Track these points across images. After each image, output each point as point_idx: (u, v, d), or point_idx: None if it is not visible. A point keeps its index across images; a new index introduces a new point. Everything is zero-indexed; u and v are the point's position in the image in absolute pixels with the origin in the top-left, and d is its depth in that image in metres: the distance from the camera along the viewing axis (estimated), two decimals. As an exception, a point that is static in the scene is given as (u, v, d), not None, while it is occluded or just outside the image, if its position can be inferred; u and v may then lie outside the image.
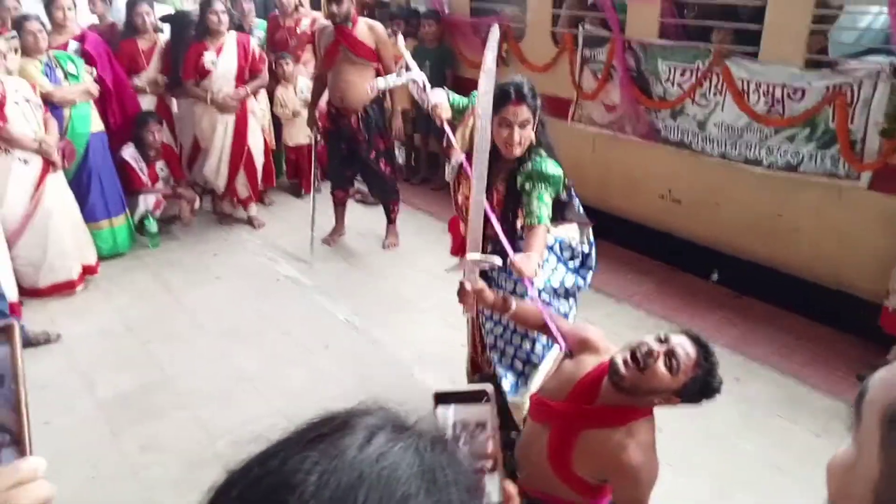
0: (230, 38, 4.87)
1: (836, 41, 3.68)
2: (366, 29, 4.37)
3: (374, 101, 4.53)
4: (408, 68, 2.96)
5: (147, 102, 5.07)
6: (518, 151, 2.39)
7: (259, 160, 5.29)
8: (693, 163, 4.21)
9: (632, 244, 4.74)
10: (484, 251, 2.36)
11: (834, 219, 3.67)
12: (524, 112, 2.32)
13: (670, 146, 4.29)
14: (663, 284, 4.39)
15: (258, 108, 5.24)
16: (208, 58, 4.78)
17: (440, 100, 2.75)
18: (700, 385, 1.57)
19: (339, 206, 5.03)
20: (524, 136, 2.36)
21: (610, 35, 4.39)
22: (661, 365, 1.54)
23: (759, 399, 3.30)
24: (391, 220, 4.97)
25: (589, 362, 1.75)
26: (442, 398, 0.74)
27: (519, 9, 5.16)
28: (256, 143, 5.22)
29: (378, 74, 4.25)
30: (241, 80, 4.94)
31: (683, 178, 4.33)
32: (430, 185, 6.02)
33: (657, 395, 1.58)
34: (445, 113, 2.71)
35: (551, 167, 2.38)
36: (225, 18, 4.77)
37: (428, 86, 2.86)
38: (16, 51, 4.04)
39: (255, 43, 5.13)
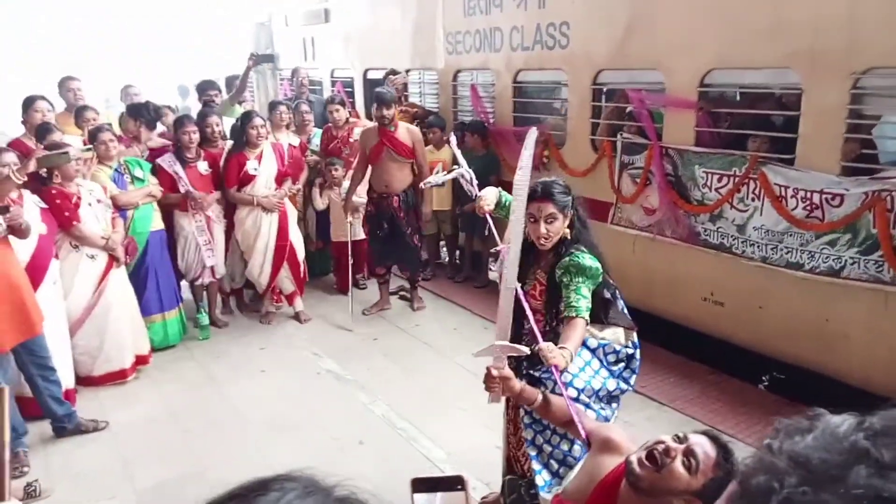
0: (266, 147, 5.24)
1: (884, 146, 3.74)
2: (405, 131, 5.27)
3: (408, 188, 5.35)
4: (455, 164, 3.16)
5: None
6: (546, 244, 2.52)
7: (301, 255, 5.52)
8: (734, 266, 4.19)
9: (675, 346, 4.67)
10: (516, 341, 2.43)
11: (883, 325, 3.56)
12: (549, 208, 2.46)
13: (711, 249, 4.30)
14: (708, 388, 4.27)
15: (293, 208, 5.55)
16: (251, 166, 5.13)
17: (485, 194, 2.88)
18: (722, 487, 1.52)
19: (383, 284, 5.70)
20: (551, 230, 2.49)
21: (647, 142, 4.54)
22: (678, 464, 1.51)
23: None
24: (414, 287, 5.75)
25: (609, 463, 1.73)
26: (419, 485, 0.78)
27: (560, 118, 5.39)
28: (297, 239, 5.49)
29: (412, 169, 5.33)
30: (279, 182, 5.28)
31: (725, 281, 4.30)
32: (474, 284, 6.15)
33: (676, 497, 1.54)
34: (488, 206, 2.84)
35: (588, 260, 2.46)
36: (264, 132, 5.16)
37: (474, 179, 3.03)
38: (91, 160, 4.48)
39: (288, 145, 5.51)
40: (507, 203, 2.99)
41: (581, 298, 2.42)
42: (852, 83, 3.45)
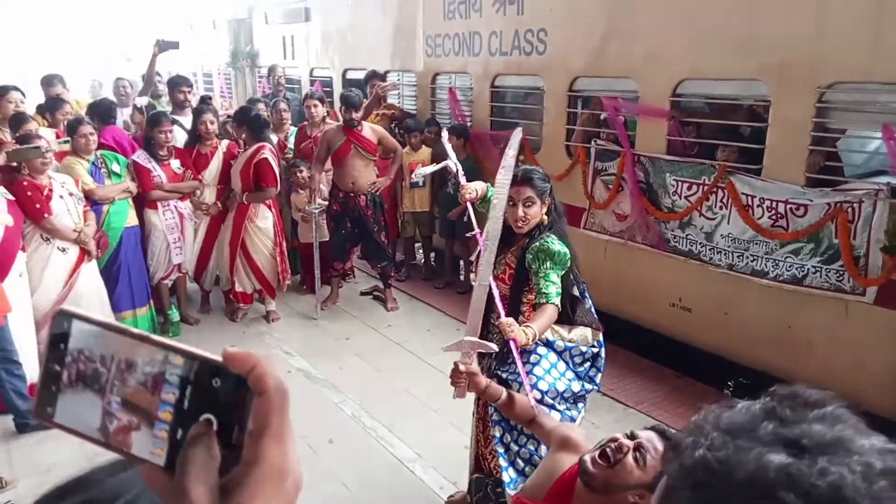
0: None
1: (848, 157, 3.86)
2: (370, 130, 5.44)
3: (372, 187, 5.48)
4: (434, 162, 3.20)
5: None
6: (524, 228, 2.60)
7: (264, 261, 5.38)
8: (702, 273, 4.28)
9: (644, 350, 4.75)
10: (485, 338, 2.47)
11: (843, 333, 3.67)
12: (527, 191, 2.56)
13: (680, 256, 4.39)
14: (674, 392, 4.35)
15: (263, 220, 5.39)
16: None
17: (471, 185, 2.92)
18: None
19: (337, 278, 5.82)
20: (529, 213, 2.57)
21: (620, 149, 4.61)
22: (630, 460, 1.56)
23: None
24: (388, 286, 5.80)
25: (567, 461, 1.77)
26: None
27: (536, 123, 5.46)
28: (257, 246, 5.34)
29: (377, 167, 5.58)
30: (244, 187, 5.15)
31: (693, 288, 4.39)
32: (457, 289, 6.08)
33: (630, 492, 1.58)
34: (470, 194, 2.88)
35: (556, 245, 2.54)
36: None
37: (461, 170, 3.09)
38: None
39: (269, 155, 5.32)
40: (490, 198, 3.04)
41: (550, 284, 2.49)
42: (818, 97, 3.55)
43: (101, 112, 5.32)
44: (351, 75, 7.44)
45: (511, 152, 2.41)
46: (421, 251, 6.82)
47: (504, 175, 2.38)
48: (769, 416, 0.61)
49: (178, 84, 6.19)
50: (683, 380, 4.51)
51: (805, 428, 0.59)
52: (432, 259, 6.67)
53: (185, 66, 11.60)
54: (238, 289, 5.43)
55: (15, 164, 3.95)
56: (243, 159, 5.15)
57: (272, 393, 0.48)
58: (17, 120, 4.47)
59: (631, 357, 4.69)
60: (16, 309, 3.73)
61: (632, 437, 1.61)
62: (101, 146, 4.85)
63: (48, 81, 5.85)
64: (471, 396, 2.52)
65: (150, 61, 6.35)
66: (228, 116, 6.04)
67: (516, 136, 2.48)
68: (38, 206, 4.05)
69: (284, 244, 5.56)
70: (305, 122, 6.03)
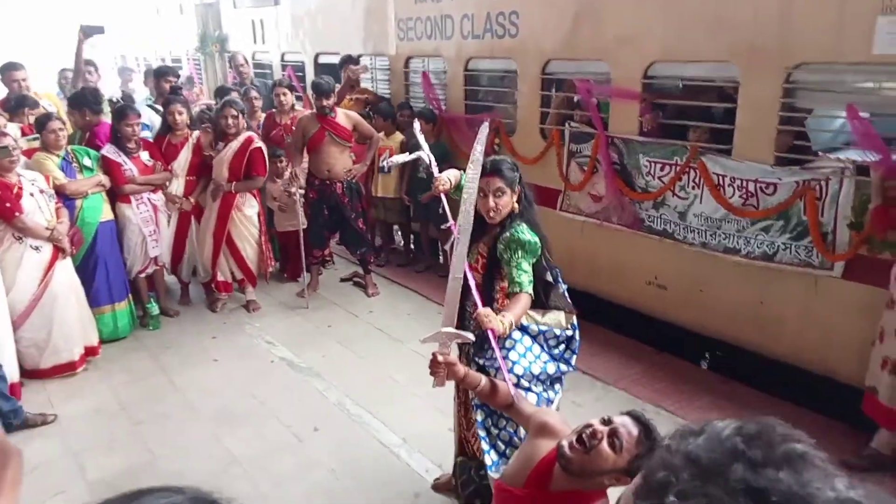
0: (240, 137, 5.15)
1: (816, 135, 3.94)
2: (344, 117, 5.41)
3: (348, 174, 5.50)
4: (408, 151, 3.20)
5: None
6: (495, 218, 2.62)
7: (249, 249, 5.41)
8: (676, 251, 4.36)
9: (621, 328, 4.84)
10: (463, 327, 2.52)
11: (813, 307, 3.78)
12: (497, 182, 2.58)
13: (654, 235, 4.46)
14: (652, 368, 4.45)
15: (249, 208, 5.38)
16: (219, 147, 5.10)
17: (445, 174, 2.95)
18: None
19: (316, 265, 5.84)
20: (500, 204, 2.60)
21: (594, 131, 4.66)
22: (605, 445, 1.62)
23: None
24: (368, 272, 5.83)
25: (545, 447, 1.82)
26: None
27: (510, 106, 5.48)
28: (242, 238, 5.36)
29: (353, 153, 5.58)
30: (234, 175, 5.14)
31: (668, 266, 4.48)
32: (438, 273, 6.09)
33: (606, 476, 1.64)
34: (443, 185, 2.91)
35: (527, 234, 2.58)
36: (234, 122, 5.06)
37: (434, 162, 3.11)
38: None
39: (262, 144, 5.33)
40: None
41: (522, 273, 2.54)
42: (785, 77, 3.62)
43: (90, 101, 5.15)
44: (324, 60, 7.37)
45: (479, 147, 2.43)
46: (399, 234, 6.84)
47: (473, 170, 2.40)
48: (738, 456, 0.63)
49: (163, 74, 6.09)
50: (661, 356, 4.61)
51: (772, 477, 0.61)
52: (411, 243, 6.69)
53: (153, 52, 11.44)
54: (220, 278, 5.42)
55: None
56: (232, 150, 5.10)
57: None
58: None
59: (609, 335, 4.78)
60: (-8, 310, 3.70)
61: (607, 422, 1.66)
62: (96, 147, 4.81)
63: (10, 67, 5.57)
64: (451, 382, 2.57)
65: (77, 49, 5.88)
66: (208, 108, 5.95)
67: (483, 130, 2.50)
68: (7, 204, 3.99)
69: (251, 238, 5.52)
70: (274, 110, 5.99)
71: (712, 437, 0.66)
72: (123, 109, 4.95)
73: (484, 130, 2.54)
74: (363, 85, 6.57)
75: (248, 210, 5.34)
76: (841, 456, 3.47)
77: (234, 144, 5.12)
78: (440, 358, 2.21)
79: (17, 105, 5.11)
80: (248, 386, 4.29)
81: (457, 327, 2.38)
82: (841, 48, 3.38)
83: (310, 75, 7.44)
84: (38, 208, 4.13)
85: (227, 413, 3.98)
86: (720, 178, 3.99)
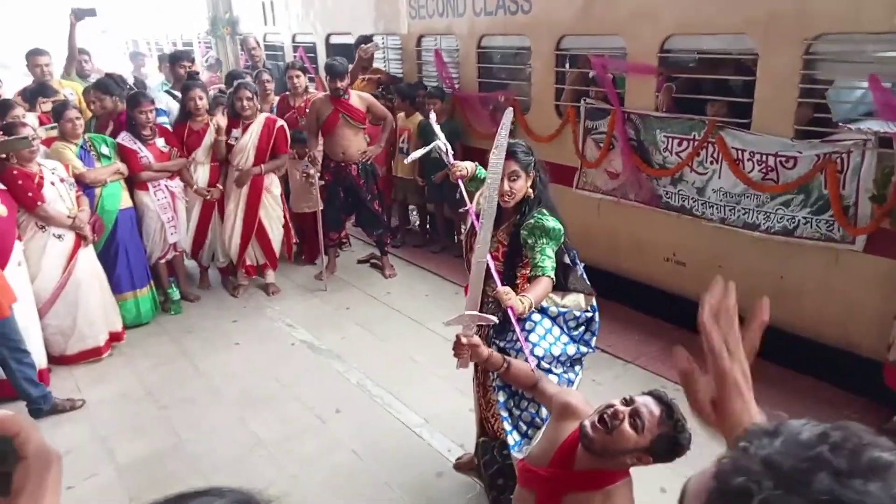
0: (259, 119, 5.17)
1: (837, 107, 3.87)
2: (357, 98, 5.37)
3: (363, 156, 5.46)
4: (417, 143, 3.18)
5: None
6: (510, 202, 2.61)
7: (275, 230, 5.50)
8: (694, 227, 4.33)
9: (640, 305, 4.83)
10: (483, 310, 2.53)
11: (834, 281, 3.75)
12: (512, 166, 2.56)
13: (672, 211, 4.43)
14: (671, 345, 4.40)
15: (275, 187, 5.46)
16: (231, 134, 5.08)
17: (461, 164, 2.96)
18: (667, 442, 1.65)
19: (333, 247, 5.85)
20: (514, 188, 2.59)
21: (610, 108, 4.61)
22: (626, 426, 1.64)
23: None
24: (384, 253, 5.83)
25: (568, 428, 1.84)
26: None
27: (524, 84, 5.43)
28: (271, 219, 5.43)
29: (368, 135, 5.53)
30: (261, 158, 5.20)
31: (686, 242, 4.45)
32: (453, 253, 6.09)
33: (628, 455, 1.66)
34: (460, 172, 2.91)
35: (551, 222, 2.57)
36: (250, 104, 5.06)
37: (451, 151, 3.09)
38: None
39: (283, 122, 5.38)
40: (480, 175, 3.06)
41: (546, 259, 2.54)
42: (805, 49, 3.55)
43: (117, 88, 5.18)
44: (335, 40, 7.33)
45: (503, 132, 2.42)
46: (415, 215, 6.85)
47: (497, 155, 2.39)
48: (823, 465, 0.60)
49: (178, 59, 6.06)
50: (680, 332, 4.58)
51: (860, 489, 0.58)
52: (427, 224, 6.70)
53: (165, 36, 11.43)
54: (248, 262, 5.49)
55: (3, 155, 3.93)
56: (255, 134, 5.12)
57: (31, 459, 0.51)
58: (2, 107, 4.42)
59: (628, 312, 4.77)
60: (19, 298, 3.77)
61: (629, 402, 1.67)
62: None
63: (34, 53, 5.54)
64: (471, 364, 2.59)
65: (69, 34, 5.83)
66: (221, 91, 5.95)
67: (507, 116, 2.48)
68: (30, 194, 4.04)
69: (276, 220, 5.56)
70: (287, 93, 5.97)
71: (791, 441, 0.63)
72: (136, 97, 4.96)
73: (508, 115, 2.52)
74: (375, 65, 6.53)
75: (275, 190, 5.43)
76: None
77: (256, 128, 5.13)
78: (464, 340, 2.24)
79: (35, 94, 5.14)
80: (270, 369, 4.35)
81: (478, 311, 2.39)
82: (862, 18, 3.31)
83: (322, 56, 7.41)
84: (59, 197, 4.18)
85: (250, 396, 4.04)
86: (739, 152, 3.94)
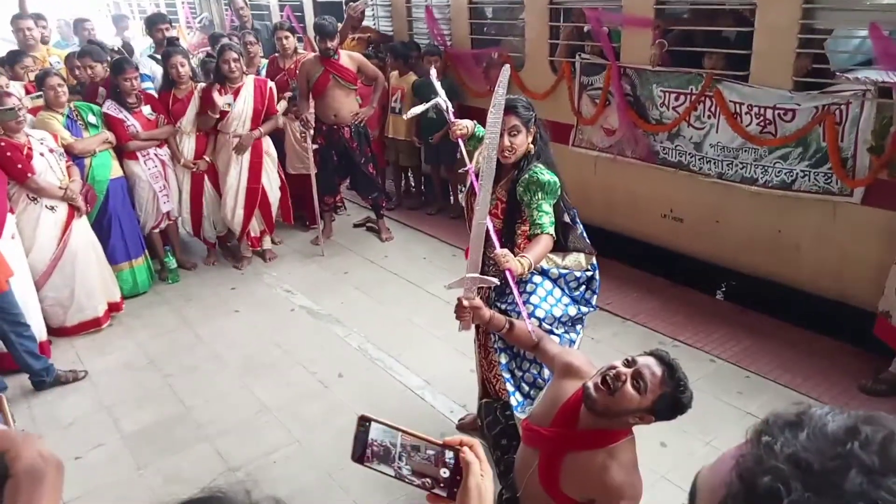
0: (248, 82, 5.06)
1: (835, 57, 3.82)
2: (347, 58, 5.27)
3: (355, 118, 5.37)
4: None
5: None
6: (510, 158, 2.59)
7: (274, 197, 5.44)
8: (692, 183, 4.31)
9: (637, 262, 4.85)
10: (484, 272, 2.53)
11: (832, 234, 3.75)
12: (512, 120, 2.54)
13: (669, 167, 4.40)
14: (669, 302, 4.48)
15: (272, 149, 5.39)
16: (222, 100, 4.96)
17: (461, 122, 2.90)
18: (669, 401, 1.67)
19: (329, 211, 5.84)
20: (515, 143, 2.57)
21: (606, 62, 4.53)
22: (629, 387, 1.65)
23: (762, 413, 3.34)
24: (380, 217, 5.79)
25: (571, 387, 1.86)
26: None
27: (517, 40, 5.33)
28: (271, 182, 5.38)
29: (360, 96, 5.42)
30: (257, 122, 5.10)
31: (684, 198, 4.44)
32: (449, 215, 6.11)
33: (631, 415, 1.68)
34: (461, 131, 2.87)
35: (546, 175, 2.55)
36: (237, 66, 4.93)
37: (451, 108, 3.04)
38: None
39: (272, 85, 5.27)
40: (479, 133, 3.02)
41: (544, 215, 2.53)
42: (804, -3, 3.48)
43: (100, 51, 5.05)
44: (322, -1, 7.16)
45: (500, 90, 2.38)
46: (411, 177, 6.80)
47: (495, 114, 2.36)
48: (853, 463, 0.58)
49: (154, 22, 5.89)
50: (677, 288, 4.63)
51: (895, 490, 0.55)
52: (422, 185, 6.65)
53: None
54: (253, 234, 5.44)
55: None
56: (249, 97, 5.01)
57: (21, 475, 0.50)
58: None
59: (625, 270, 4.79)
60: (15, 272, 3.75)
61: (631, 363, 1.69)
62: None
63: (17, 17, 5.42)
64: (473, 326, 2.60)
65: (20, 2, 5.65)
66: (209, 55, 5.81)
67: (505, 73, 2.43)
68: (19, 166, 3.98)
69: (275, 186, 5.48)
70: (276, 55, 5.85)
71: (818, 436, 0.60)
72: (120, 63, 4.82)
73: (505, 73, 2.47)
74: (365, 23, 6.39)
75: (273, 152, 5.37)
76: (856, 379, 3.53)
77: (248, 92, 5.02)
78: (466, 302, 2.24)
79: (10, 60, 5.00)
80: (271, 335, 4.37)
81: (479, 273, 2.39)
82: (864, -36, 3.24)
83: (309, 15, 7.24)
84: (49, 168, 4.12)
85: (253, 362, 4.07)
86: (737, 106, 3.90)
